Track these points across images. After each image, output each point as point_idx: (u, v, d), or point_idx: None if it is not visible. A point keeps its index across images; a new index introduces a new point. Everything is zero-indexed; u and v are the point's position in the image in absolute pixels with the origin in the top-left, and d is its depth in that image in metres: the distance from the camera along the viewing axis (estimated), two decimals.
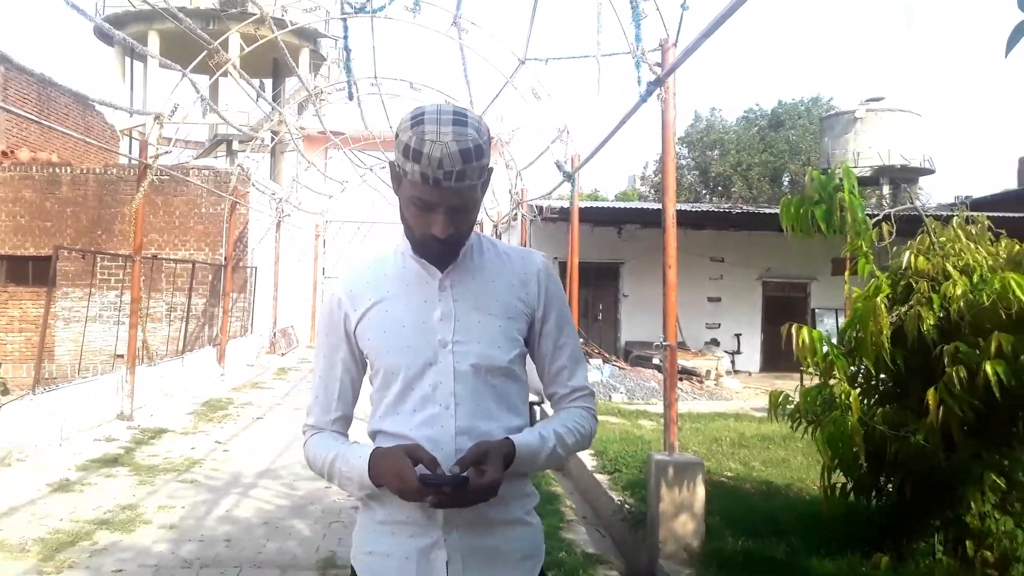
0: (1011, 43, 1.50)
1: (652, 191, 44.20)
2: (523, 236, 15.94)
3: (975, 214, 4.98)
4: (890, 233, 4.32)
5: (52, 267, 10.95)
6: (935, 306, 4.21)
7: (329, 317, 1.83)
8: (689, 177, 45.76)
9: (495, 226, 21.01)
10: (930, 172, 40.71)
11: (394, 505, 1.69)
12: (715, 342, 17.73)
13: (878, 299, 3.99)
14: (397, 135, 1.64)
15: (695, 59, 5.37)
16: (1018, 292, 3.79)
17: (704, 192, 45.81)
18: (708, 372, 15.23)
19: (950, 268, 4.30)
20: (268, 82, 28.32)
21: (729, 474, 7.06)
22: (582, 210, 11.68)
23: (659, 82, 5.64)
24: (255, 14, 27.03)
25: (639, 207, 17.44)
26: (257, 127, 21.14)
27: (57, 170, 17.19)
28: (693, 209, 15.11)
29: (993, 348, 3.83)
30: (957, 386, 3.92)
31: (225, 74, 16.81)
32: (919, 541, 4.49)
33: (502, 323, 1.76)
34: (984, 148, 76.83)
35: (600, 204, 16.73)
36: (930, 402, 3.99)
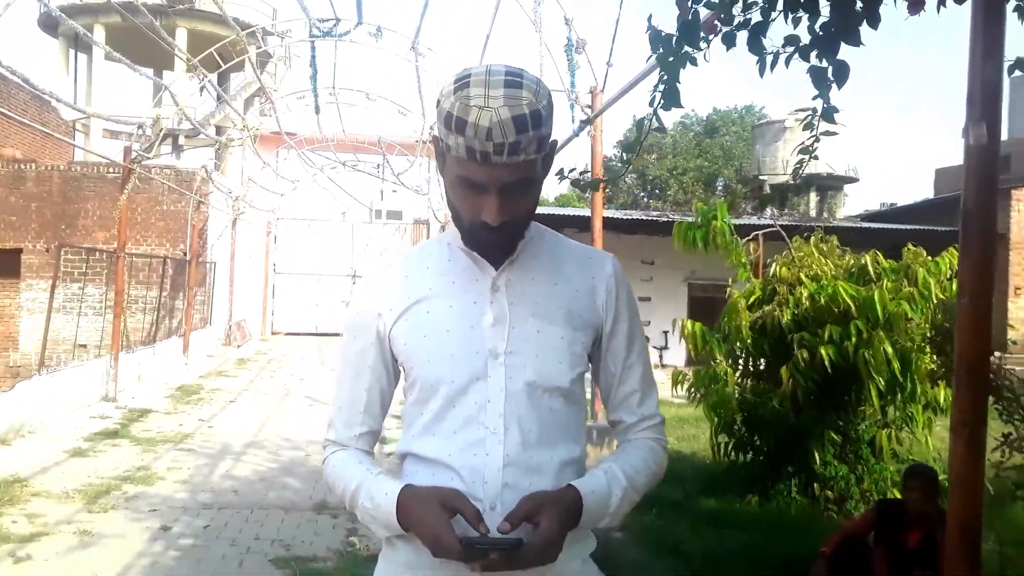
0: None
1: (589, 194, 45.67)
2: None
3: (855, 223, 6.39)
4: (756, 249, 5.71)
5: (57, 260, 11.91)
6: (791, 305, 5.60)
7: (357, 317, 1.57)
8: (627, 180, 47.47)
9: (442, 228, 22.22)
10: (854, 180, 43.15)
11: (423, 545, 1.42)
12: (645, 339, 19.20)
13: (740, 300, 5.37)
14: (438, 102, 1.39)
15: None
16: (843, 295, 5.19)
17: (642, 195, 47.57)
18: None
19: (803, 276, 5.70)
20: (213, 76, 28.76)
21: None
22: None
23: (588, 122, 6.96)
24: (203, 11, 27.57)
25: (576, 214, 18.79)
26: (204, 122, 21.88)
27: (23, 166, 17.85)
28: (626, 217, 16.51)
29: (827, 336, 5.24)
30: (802, 364, 5.32)
31: (228, 73, 17.72)
32: (780, 485, 5.88)
33: (565, 334, 1.51)
34: (906, 157, 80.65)
35: (541, 211, 18.05)
36: (783, 376, 5.38)
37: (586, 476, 1.51)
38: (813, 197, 40.66)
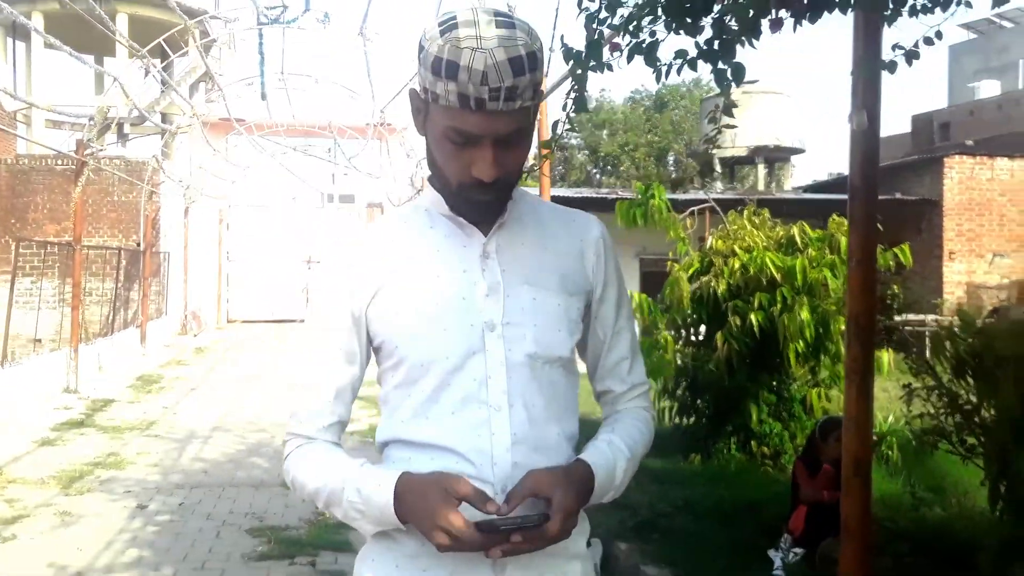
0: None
1: (538, 173, 45.95)
2: None
3: (792, 196, 6.76)
4: (692, 223, 6.11)
5: (15, 255, 11.84)
6: (726, 275, 6.00)
7: (330, 294, 1.44)
8: (580, 156, 47.89)
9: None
10: (801, 152, 43.90)
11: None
12: None
13: (680, 273, 5.76)
14: (421, 47, 1.27)
15: None
16: (770, 266, 5.60)
17: (594, 171, 48.00)
18: None
19: (737, 248, 6.10)
20: (158, 63, 28.50)
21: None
22: None
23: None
24: None
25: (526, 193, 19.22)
26: (150, 110, 21.69)
27: None
28: (577, 195, 16.89)
29: (756, 303, 5.66)
30: (735, 329, 5.73)
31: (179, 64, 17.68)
32: (720, 444, 6.30)
33: (561, 300, 1.42)
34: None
35: None
36: (718, 341, 5.79)
37: (589, 449, 1.42)
38: (761, 169, 41.41)
